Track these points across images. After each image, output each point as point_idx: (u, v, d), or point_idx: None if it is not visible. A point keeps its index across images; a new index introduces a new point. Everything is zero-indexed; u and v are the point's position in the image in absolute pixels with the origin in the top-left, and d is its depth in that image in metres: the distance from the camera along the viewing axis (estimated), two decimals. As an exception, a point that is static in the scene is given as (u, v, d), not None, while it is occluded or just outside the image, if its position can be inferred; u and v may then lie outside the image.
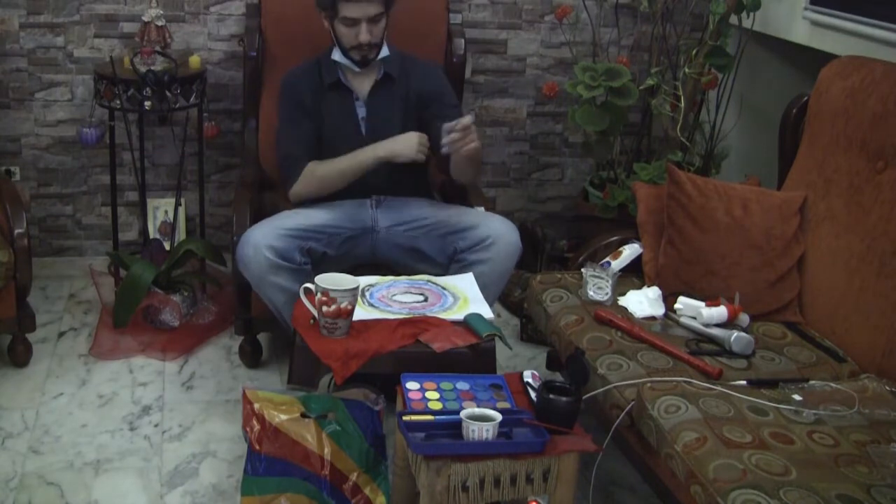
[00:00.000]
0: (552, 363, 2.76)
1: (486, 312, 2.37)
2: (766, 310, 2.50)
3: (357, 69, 2.76)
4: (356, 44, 2.70)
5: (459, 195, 2.98)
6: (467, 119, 2.46)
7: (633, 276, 2.68)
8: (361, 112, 2.81)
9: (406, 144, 2.65)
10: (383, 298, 2.42)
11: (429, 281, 2.54)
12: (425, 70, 2.88)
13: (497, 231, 2.63)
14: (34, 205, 3.47)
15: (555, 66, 3.64)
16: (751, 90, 3.43)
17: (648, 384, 2.10)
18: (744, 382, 2.16)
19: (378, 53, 2.76)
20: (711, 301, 2.43)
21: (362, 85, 2.81)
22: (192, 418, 2.70)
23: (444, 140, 2.46)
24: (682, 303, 2.47)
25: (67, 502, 2.32)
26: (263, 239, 2.54)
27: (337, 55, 2.77)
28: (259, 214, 2.84)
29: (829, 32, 2.95)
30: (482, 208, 2.85)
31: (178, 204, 3.43)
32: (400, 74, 2.81)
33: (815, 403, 2.04)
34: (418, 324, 2.29)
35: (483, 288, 2.49)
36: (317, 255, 2.64)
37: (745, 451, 1.83)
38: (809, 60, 3.04)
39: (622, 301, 2.55)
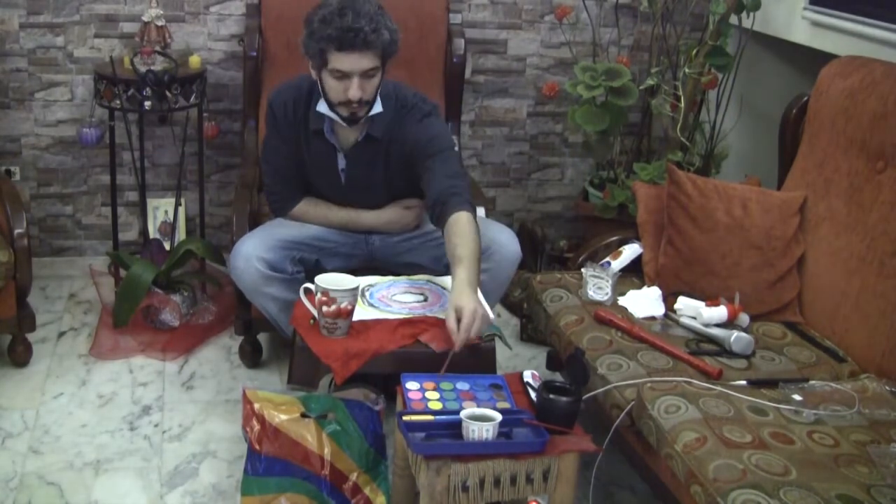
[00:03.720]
0: (552, 363, 2.76)
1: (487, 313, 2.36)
2: (766, 310, 2.51)
3: (344, 124, 2.51)
4: (345, 100, 2.41)
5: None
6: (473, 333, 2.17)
7: (633, 276, 2.68)
8: (342, 163, 2.60)
9: (399, 224, 2.64)
10: (383, 298, 2.42)
11: (429, 281, 2.54)
12: (414, 127, 2.53)
13: (497, 240, 2.55)
14: (34, 205, 3.47)
15: (555, 66, 3.64)
16: (751, 90, 3.43)
17: (648, 384, 2.10)
18: (744, 382, 2.16)
19: (369, 111, 2.48)
20: (711, 301, 2.43)
21: (345, 138, 2.58)
22: (192, 418, 2.70)
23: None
24: (682, 303, 2.47)
25: (67, 502, 2.32)
26: (254, 251, 2.52)
27: (322, 107, 2.50)
28: (259, 214, 2.85)
29: (829, 32, 2.95)
30: (482, 209, 2.84)
31: (178, 204, 3.43)
32: (384, 136, 2.54)
33: (815, 403, 2.04)
34: (418, 324, 2.29)
35: (483, 296, 2.46)
36: (309, 263, 2.61)
37: (745, 451, 1.83)
38: (809, 60, 3.04)
39: (622, 301, 2.55)
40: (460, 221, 2.32)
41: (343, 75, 2.39)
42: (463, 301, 2.15)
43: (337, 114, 2.48)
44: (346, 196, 2.67)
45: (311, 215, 2.68)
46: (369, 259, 2.73)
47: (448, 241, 2.32)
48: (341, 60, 2.37)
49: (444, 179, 2.41)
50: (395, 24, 2.43)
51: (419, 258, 2.66)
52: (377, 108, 2.50)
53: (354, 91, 2.39)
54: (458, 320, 2.13)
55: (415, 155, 2.51)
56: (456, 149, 2.60)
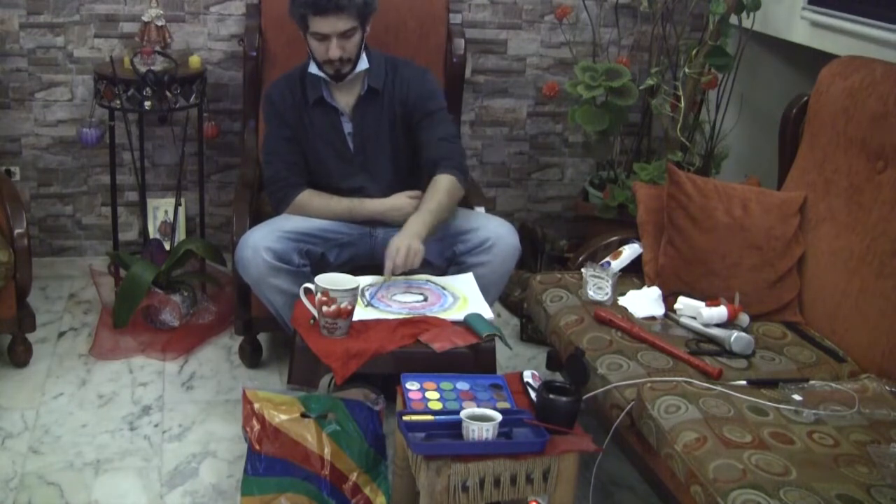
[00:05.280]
0: (552, 363, 2.76)
1: (486, 312, 2.37)
2: (766, 310, 2.51)
3: (334, 83, 2.68)
4: (327, 59, 2.61)
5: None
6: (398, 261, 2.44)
7: (633, 276, 2.68)
8: (347, 128, 2.73)
9: (401, 212, 2.64)
10: (383, 298, 2.42)
11: (428, 281, 2.54)
12: (411, 76, 2.75)
13: (496, 233, 2.61)
14: (34, 205, 3.47)
15: (555, 66, 3.64)
16: (751, 90, 3.43)
17: (648, 384, 2.10)
18: (744, 382, 2.16)
19: (353, 68, 2.65)
20: (711, 301, 2.43)
21: (346, 99, 2.72)
22: (192, 418, 2.70)
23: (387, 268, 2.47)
24: (682, 303, 2.47)
25: (67, 502, 2.32)
26: (262, 241, 2.53)
27: (313, 68, 2.69)
28: (259, 214, 2.85)
29: (829, 32, 2.95)
30: (482, 208, 2.85)
31: (178, 204, 3.43)
32: (385, 86, 2.72)
33: (815, 403, 2.04)
34: (418, 324, 2.29)
35: (483, 290, 2.49)
36: (315, 256, 2.63)
37: (745, 451, 1.83)
38: (809, 60, 3.04)
39: (622, 301, 2.55)
40: (438, 182, 2.60)
41: (323, 37, 2.58)
42: (397, 240, 2.46)
43: (324, 73, 2.65)
44: (354, 164, 2.72)
45: (313, 205, 2.70)
46: (373, 251, 2.73)
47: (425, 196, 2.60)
48: (319, 24, 2.57)
49: (438, 144, 2.67)
50: None
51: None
52: (363, 64, 2.68)
53: (334, 51, 2.58)
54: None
55: (415, 109, 2.70)
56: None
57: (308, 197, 2.70)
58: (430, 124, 2.70)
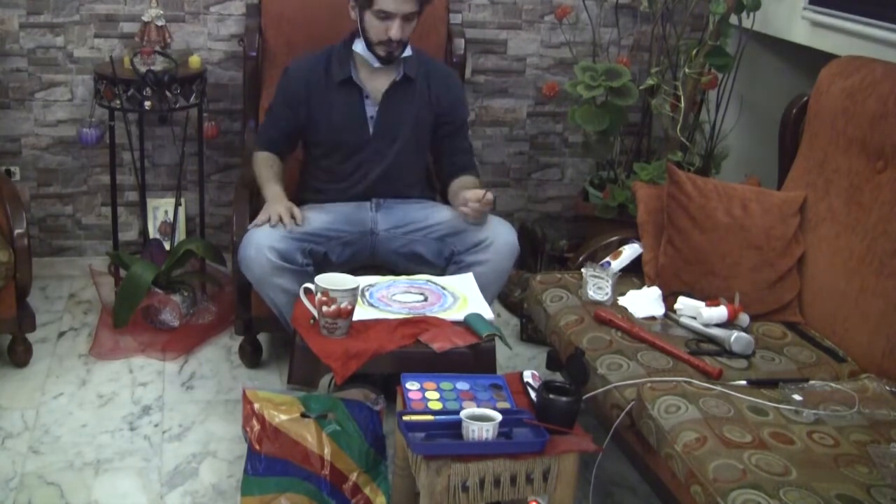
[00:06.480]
0: (552, 363, 2.75)
1: (486, 312, 2.37)
2: (766, 310, 2.51)
3: (376, 65, 2.70)
4: (385, 38, 2.62)
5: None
6: (490, 196, 2.59)
7: (633, 276, 2.68)
8: (371, 111, 2.75)
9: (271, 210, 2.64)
10: (383, 298, 2.42)
11: (428, 281, 2.54)
12: (445, 76, 2.85)
13: (494, 232, 2.63)
14: (34, 205, 3.47)
15: (555, 66, 3.64)
16: (751, 90, 3.43)
17: (648, 384, 2.10)
18: (744, 382, 2.16)
19: (402, 52, 2.70)
20: (711, 301, 2.43)
21: (376, 83, 2.75)
22: (192, 418, 2.70)
23: (464, 208, 2.61)
24: (682, 303, 2.47)
25: (67, 502, 2.32)
26: (266, 240, 2.54)
27: (360, 47, 2.70)
28: (259, 214, 2.84)
29: (829, 32, 2.95)
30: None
31: (178, 204, 3.43)
32: (419, 76, 2.77)
33: (815, 403, 2.04)
34: (418, 324, 2.29)
35: (481, 289, 2.49)
36: (318, 256, 2.64)
37: (745, 451, 1.83)
38: (809, 60, 3.04)
39: (622, 301, 2.55)
40: (467, 178, 2.82)
41: (387, 16, 2.59)
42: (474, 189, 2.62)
43: (374, 53, 2.68)
44: (368, 147, 2.77)
45: (255, 167, 2.81)
46: (373, 250, 2.74)
47: (452, 193, 2.78)
48: (387, 2, 2.57)
49: (463, 154, 2.86)
50: None
51: (422, 250, 2.70)
52: (408, 51, 2.73)
53: (396, 31, 2.60)
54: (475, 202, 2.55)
55: (448, 113, 2.82)
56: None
57: (259, 159, 2.81)
58: (460, 133, 2.87)
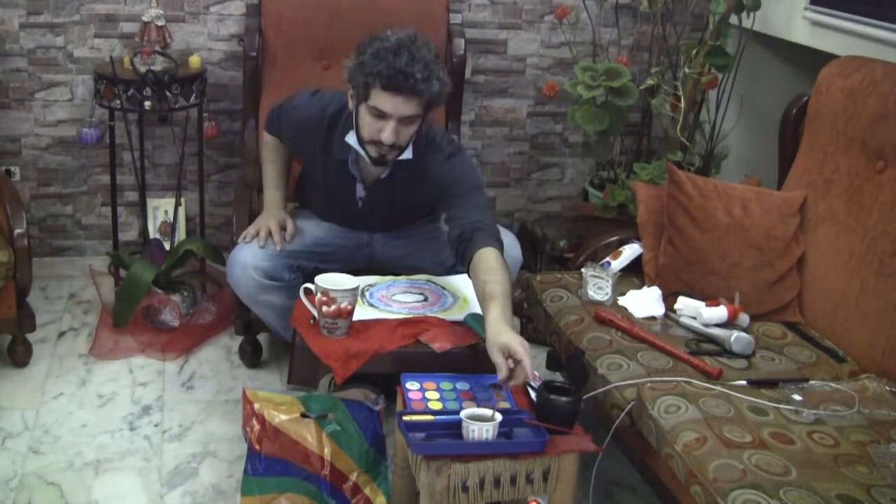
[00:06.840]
0: (552, 363, 2.75)
1: (486, 313, 2.35)
2: (766, 310, 2.51)
3: (369, 161, 2.39)
4: (377, 139, 2.29)
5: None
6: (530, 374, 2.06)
7: (633, 276, 2.68)
8: (360, 191, 2.56)
9: (261, 224, 2.59)
10: (383, 298, 2.42)
11: (429, 281, 2.54)
12: (437, 167, 2.44)
13: None
14: (34, 205, 3.47)
15: (555, 66, 3.64)
16: (751, 90, 3.42)
17: (648, 384, 2.10)
18: (744, 382, 2.16)
19: (398, 156, 2.37)
20: (711, 301, 2.43)
21: (368, 172, 2.51)
22: (192, 418, 2.70)
23: (502, 374, 2.04)
24: (682, 303, 2.47)
25: (67, 502, 2.32)
26: (251, 260, 2.52)
27: (352, 139, 2.39)
28: (259, 214, 2.84)
29: (829, 32, 2.94)
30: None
31: (178, 204, 3.43)
32: (408, 177, 2.48)
33: (815, 403, 2.04)
34: (418, 324, 2.29)
35: None
36: (308, 270, 2.59)
37: (745, 451, 1.83)
38: (809, 60, 3.04)
39: (622, 301, 2.55)
40: (488, 258, 2.23)
41: (381, 115, 2.26)
42: (505, 338, 2.02)
43: (365, 151, 2.36)
44: (360, 217, 2.64)
45: (263, 149, 2.74)
46: (371, 259, 2.73)
47: (475, 278, 2.23)
48: (384, 100, 2.24)
49: (469, 213, 2.34)
50: (447, 76, 2.32)
51: (420, 261, 2.66)
52: (407, 154, 2.39)
53: (388, 135, 2.27)
54: (508, 358, 2.01)
55: (437, 196, 2.45)
56: (482, 186, 2.51)
57: (268, 147, 2.72)
58: (458, 202, 2.39)
